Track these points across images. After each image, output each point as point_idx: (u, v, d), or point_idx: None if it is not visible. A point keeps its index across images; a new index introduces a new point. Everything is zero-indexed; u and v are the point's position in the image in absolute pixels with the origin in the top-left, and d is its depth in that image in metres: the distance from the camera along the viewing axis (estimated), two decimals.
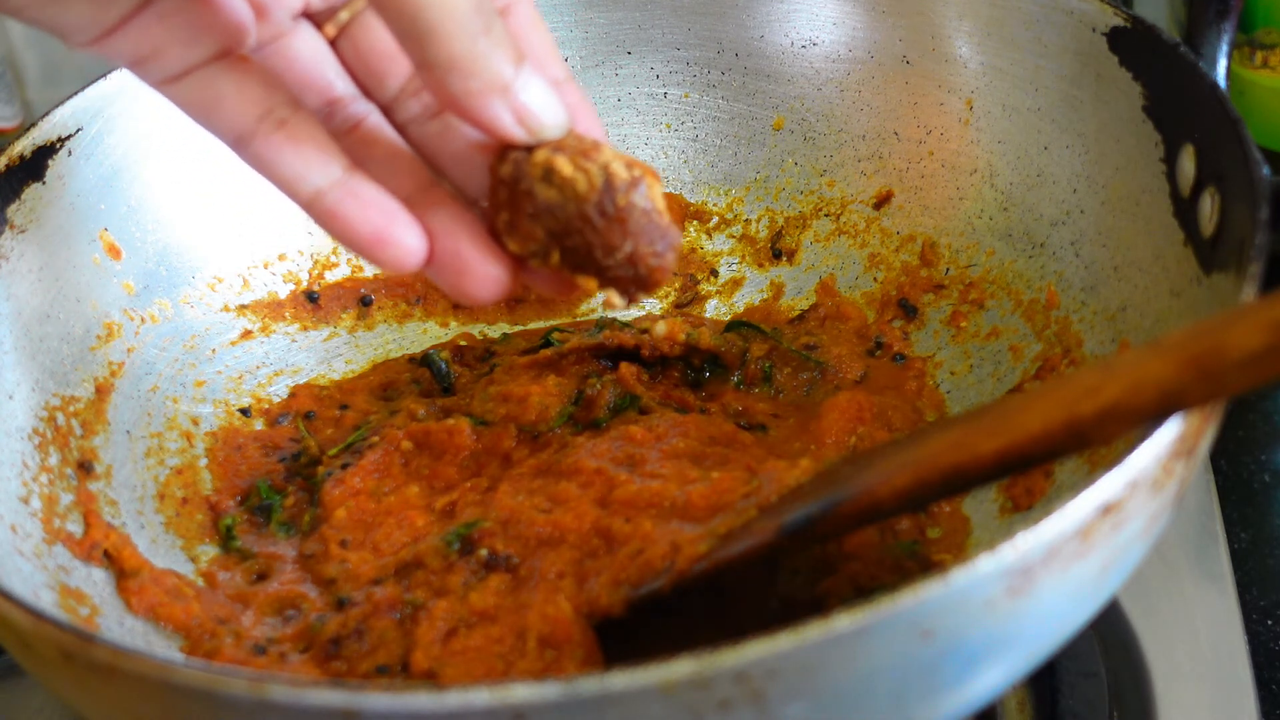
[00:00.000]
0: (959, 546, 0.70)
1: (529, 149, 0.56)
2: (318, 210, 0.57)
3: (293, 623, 0.68)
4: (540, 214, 0.57)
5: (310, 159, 0.57)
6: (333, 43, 0.61)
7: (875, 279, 0.86)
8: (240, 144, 0.57)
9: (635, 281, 0.58)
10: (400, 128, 0.61)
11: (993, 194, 0.82)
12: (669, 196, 0.91)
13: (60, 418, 0.72)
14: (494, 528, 0.68)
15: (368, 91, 0.61)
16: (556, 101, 0.55)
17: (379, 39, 0.60)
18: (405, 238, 0.57)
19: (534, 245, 0.58)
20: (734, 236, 0.90)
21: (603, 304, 0.59)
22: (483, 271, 0.58)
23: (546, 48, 0.61)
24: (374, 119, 0.61)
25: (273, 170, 0.57)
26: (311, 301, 0.86)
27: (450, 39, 0.51)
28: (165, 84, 0.57)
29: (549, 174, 0.56)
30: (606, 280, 0.58)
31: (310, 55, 0.60)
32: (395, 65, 0.61)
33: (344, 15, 0.61)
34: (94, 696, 0.52)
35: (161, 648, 0.66)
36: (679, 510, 0.66)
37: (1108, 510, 0.49)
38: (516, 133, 0.55)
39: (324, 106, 0.61)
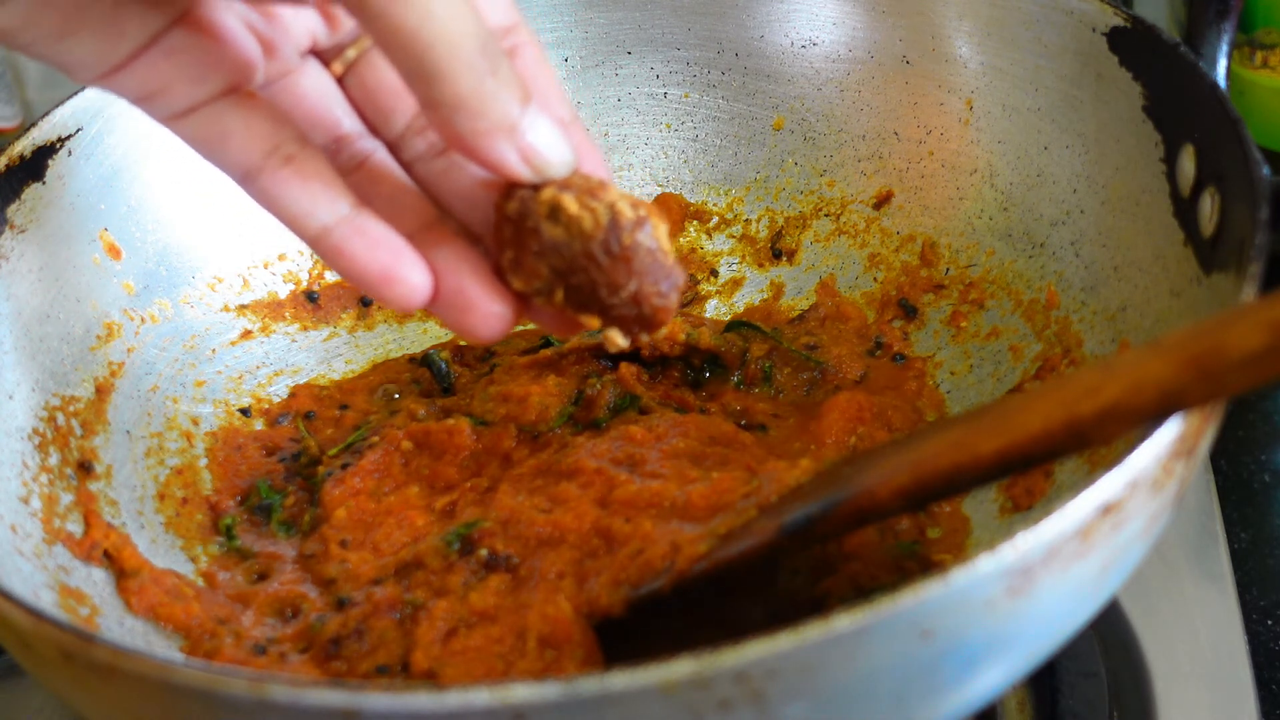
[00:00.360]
0: (959, 546, 0.70)
1: (535, 187, 0.56)
2: (324, 247, 0.57)
3: (293, 623, 0.68)
4: (545, 252, 0.57)
5: (317, 195, 0.57)
6: (340, 80, 0.61)
7: (875, 279, 0.86)
8: (247, 180, 0.57)
9: (638, 320, 0.58)
10: (406, 165, 0.61)
11: (993, 194, 0.82)
12: (670, 197, 0.91)
13: (60, 418, 0.72)
14: (494, 528, 0.68)
15: (374, 128, 0.62)
16: (563, 141, 0.55)
17: (386, 77, 0.61)
18: (411, 275, 0.57)
19: (538, 283, 0.58)
20: (734, 236, 0.90)
21: (604, 342, 0.59)
22: (486, 309, 0.58)
23: (552, 88, 0.61)
24: (380, 156, 0.61)
25: (279, 206, 0.57)
26: (311, 301, 0.86)
27: (456, 79, 0.51)
28: (172, 120, 0.57)
29: (555, 212, 0.56)
30: (610, 319, 0.58)
31: (317, 92, 0.61)
32: (401, 102, 0.61)
33: (351, 53, 0.61)
34: (94, 696, 0.52)
35: (161, 648, 0.66)
36: (679, 510, 0.66)
37: (1108, 510, 0.49)
38: (523, 172, 0.55)
39: (331, 143, 0.61)
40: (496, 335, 0.59)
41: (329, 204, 0.57)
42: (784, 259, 0.89)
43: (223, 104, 0.56)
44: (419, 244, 0.58)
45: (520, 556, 0.67)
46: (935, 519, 0.72)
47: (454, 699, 0.44)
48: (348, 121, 0.61)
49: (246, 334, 0.84)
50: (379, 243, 0.56)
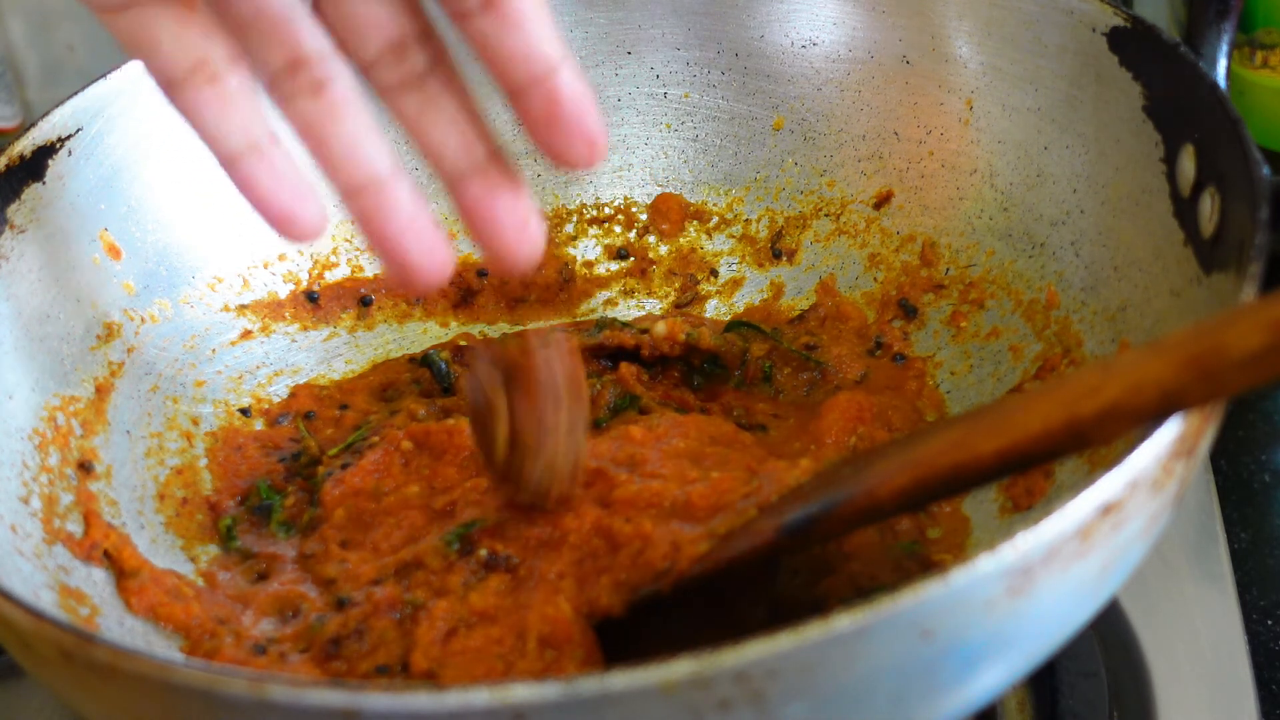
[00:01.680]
0: (959, 546, 0.70)
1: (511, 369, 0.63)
2: (232, 173, 0.57)
3: (293, 623, 0.68)
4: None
5: (234, 120, 0.56)
6: None
7: (875, 279, 0.86)
8: (170, 89, 0.56)
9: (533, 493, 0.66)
10: (379, 90, 0.59)
11: (993, 194, 0.82)
12: (670, 197, 0.91)
13: (60, 418, 0.72)
14: (493, 528, 0.68)
15: (346, 48, 0.58)
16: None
17: None
18: (306, 216, 0.57)
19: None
20: (734, 236, 0.90)
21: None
22: (423, 260, 0.58)
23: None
24: (341, 86, 0.57)
25: (196, 123, 0.57)
26: (311, 301, 0.86)
27: None
28: (104, 13, 0.56)
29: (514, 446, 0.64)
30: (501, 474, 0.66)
31: (281, 5, 0.57)
32: (380, 31, 0.57)
33: None
34: (94, 696, 0.52)
35: (161, 648, 0.66)
36: (679, 510, 0.66)
37: (1108, 510, 0.49)
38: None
39: (286, 64, 0.57)
40: (431, 288, 0.59)
41: (243, 131, 0.56)
42: (784, 259, 0.89)
43: (157, 7, 0.55)
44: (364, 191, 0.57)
45: (520, 557, 0.67)
46: (935, 519, 0.72)
47: (454, 699, 0.44)
48: (310, 42, 0.57)
49: (246, 334, 0.84)
50: (284, 180, 0.56)
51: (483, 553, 0.67)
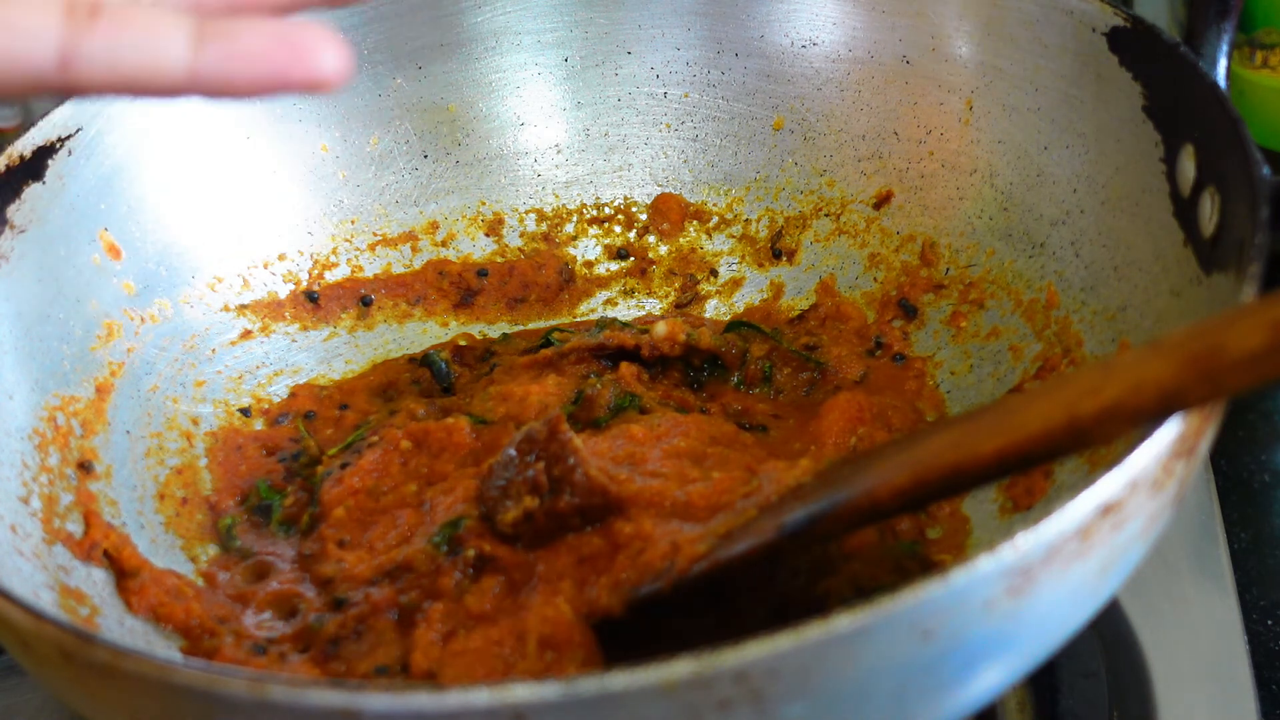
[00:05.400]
0: (959, 546, 0.70)
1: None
2: (203, 82, 0.46)
3: (292, 622, 0.68)
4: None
5: (154, 30, 0.46)
6: None
7: (875, 279, 0.86)
8: (67, 66, 0.45)
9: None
10: None
11: (993, 194, 0.82)
12: (670, 197, 0.91)
13: (60, 418, 0.72)
14: (476, 525, 0.68)
15: None
16: None
17: None
18: (320, 53, 0.46)
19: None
20: (734, 236, 0.90)
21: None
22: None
23: None
24: None
25: (120, 70, 0.46)
26: (311, 301, 0.86)
27: None
28: None
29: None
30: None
31: None
32: None
33: None
34: (94, 696, 0.52)
35: (161, 648, 0.66)
36: (679, 510, 0.66)
37: (1108, 510, 0.49)
38: None
39: None
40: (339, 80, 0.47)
41: (173, 31, 0.45)
42: (784, 259, 0.89)
43: None
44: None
45: (511, 557, 0.67)
46: (935, 519, 0.72)
47: (454, 699, 0.44)
48: None
49: (246, 334, 0.84)
50: (262, 37, 0.45)
51: (470, 553, 0.67)
